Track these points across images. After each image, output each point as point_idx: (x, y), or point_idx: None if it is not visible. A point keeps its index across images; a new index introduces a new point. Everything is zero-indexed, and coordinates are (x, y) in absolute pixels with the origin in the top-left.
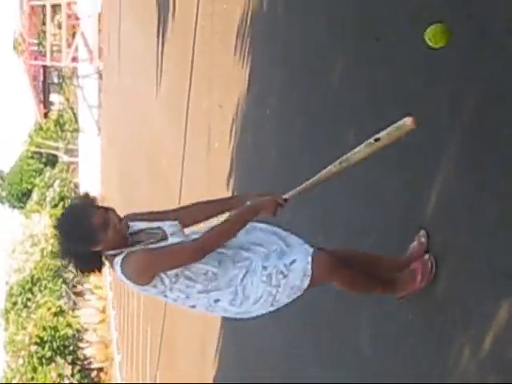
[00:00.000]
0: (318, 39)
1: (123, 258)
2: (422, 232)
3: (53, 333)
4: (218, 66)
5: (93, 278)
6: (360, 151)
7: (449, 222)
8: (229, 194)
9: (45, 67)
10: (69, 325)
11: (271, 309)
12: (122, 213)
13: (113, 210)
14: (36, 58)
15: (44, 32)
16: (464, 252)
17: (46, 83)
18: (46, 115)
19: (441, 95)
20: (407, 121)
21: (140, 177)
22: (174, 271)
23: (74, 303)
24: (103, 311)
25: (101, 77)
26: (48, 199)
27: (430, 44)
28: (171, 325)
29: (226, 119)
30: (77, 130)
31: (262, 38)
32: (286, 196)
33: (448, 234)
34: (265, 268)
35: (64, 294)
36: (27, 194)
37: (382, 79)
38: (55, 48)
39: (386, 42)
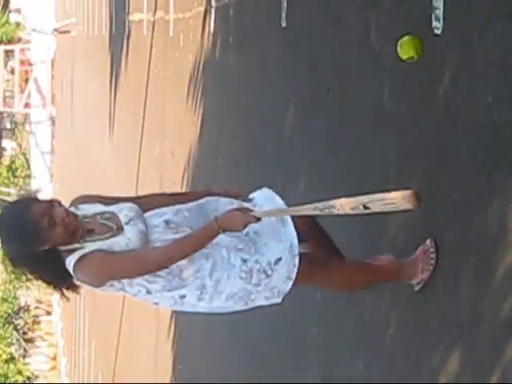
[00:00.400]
0: (271, 88)
1: (76, 262)
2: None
3: (3, 380)
4: (170, 114)
5: (44, 325)
6: (343, 211)
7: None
8: None
9: None
10: (19, 372)
11: (244, 308)
12: None
13: (58, 202)
14: None
15: None
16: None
17: None
18: None
19: (390, 146)
20: (406, 196)
21: None
22: None
23: (25, 350)
24: (54, 358)
25: (53, 123)
26: None
27: (400, 53)
28: (122, 372)
29: (178, 167)
30: (29, 176)
31: (214, 85)
32: (257, 215)
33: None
34: (244, 262)
35: (15, 340)
36: None
37: (333, 129)
38: (8, 94)
39: (336, 92)
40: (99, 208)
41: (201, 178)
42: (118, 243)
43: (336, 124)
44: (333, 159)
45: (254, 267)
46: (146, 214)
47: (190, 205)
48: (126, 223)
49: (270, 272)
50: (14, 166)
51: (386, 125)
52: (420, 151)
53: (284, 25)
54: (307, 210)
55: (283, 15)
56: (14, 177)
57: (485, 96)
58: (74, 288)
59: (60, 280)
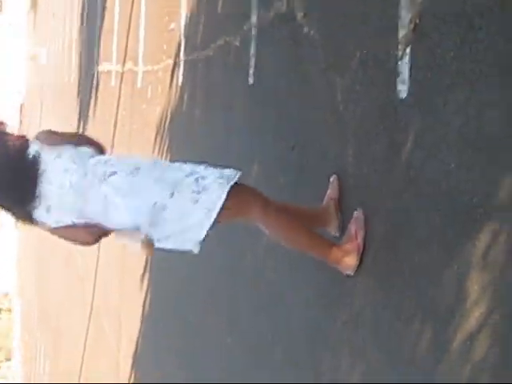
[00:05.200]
0: (236, 144)
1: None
2: (334, 176)
3: None
4: None
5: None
6: None
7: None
8: None
9: None
10: None
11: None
12: None
13: None
14: None
15: None
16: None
17: None
18: None
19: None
20: None
21: None
22: None
23: None
24: None
25: None
26: None
27: None
28: None
29: None
30: None
31: (180, 139)
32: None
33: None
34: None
35: None
36: None
37: (297, 185)
38: None
39: (301, 150)
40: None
41: None
42: None
43: (299, 181)
44: None
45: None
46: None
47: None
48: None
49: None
50: None
51: (348, 185)
52: (379, 215)
53: (251, 82)
54: None
55: (251, 72)
56: None
57: (446, 162)
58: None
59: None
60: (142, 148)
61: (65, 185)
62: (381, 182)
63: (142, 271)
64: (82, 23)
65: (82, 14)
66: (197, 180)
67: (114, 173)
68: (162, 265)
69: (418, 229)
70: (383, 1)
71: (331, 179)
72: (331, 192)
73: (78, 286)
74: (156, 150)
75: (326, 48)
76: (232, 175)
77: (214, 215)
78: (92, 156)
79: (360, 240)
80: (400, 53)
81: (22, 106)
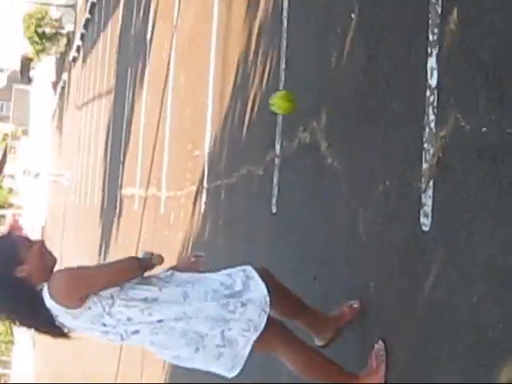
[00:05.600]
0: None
1: (49, 285)
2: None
3: None
4: None
5: None
6: None
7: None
8: None
9: None
10: None
11: (219, 339)
12: None
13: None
14: None
15: None
16: None
17: None
18: None
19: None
20: None
21: None
22: (108, 293)
23: None
24: None
25: None
26: None
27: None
28: None
29: None
30: (12, 342)
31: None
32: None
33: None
34: (220, 296)
35: None
36: None
37: None
38: None
39: (323, 280)
40: None
41: None
42: None
43: (323, 310)
44: None
45: (230, 300)
46: None
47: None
48: None
49: (245, 301)
50: None
51: (370, 317)
52: (401, 347)
53: (274, 211)
54: None
55: (274, 201)
56: None
57: (470, 295)
58: (57, 331)
59: (40, 319)
60: None
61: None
62: (403, 314)
63: None
64: (106, 147)
65: (107, 138)
66: (222, 333)
67: (136, 332)
68: None
69: (441, 360)
70: (407, 135)
71: (354, 304)
72: (346, 313)
73: None
74: None
75: (349, 179)
76: (259, 322)
77: (237, 370)
78: (107, 313)
79: (381, 374)
80: (423, 186)
81: (43, 228)
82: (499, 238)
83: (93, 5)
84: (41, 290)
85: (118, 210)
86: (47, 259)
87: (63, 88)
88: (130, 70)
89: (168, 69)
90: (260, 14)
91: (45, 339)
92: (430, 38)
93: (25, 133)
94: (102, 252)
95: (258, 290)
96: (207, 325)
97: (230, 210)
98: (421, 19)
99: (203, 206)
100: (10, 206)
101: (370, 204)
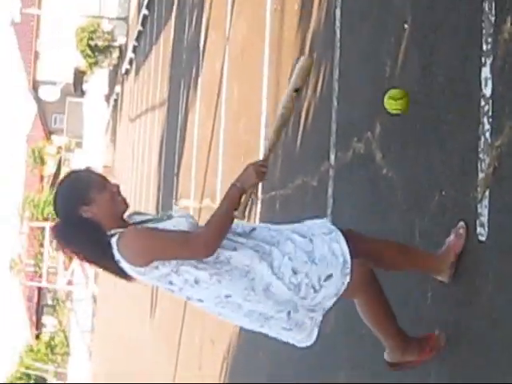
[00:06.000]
0: None
1: (120, 237)
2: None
3: None
4: None
5: None
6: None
7: None
8: None
9: (40, 288)
10: None
11: (286, 322)
12: None
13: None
14: (32, 279)
15: (41, 253)
16: None
17: (40, 304)
18: (37, 337)
19: None
20: (302, 60)
21: None
22: None
23: None
24: None
25: (95, 301)
26: None
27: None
28: None
29: (217, 356)
30: (68, 354)
31: None
32: (261, 158)
33: None
34: (294, 274)
35: None
36: None
37: None
38: (51, 270)
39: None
40: (148, 217)
41: (240, 370)
42: (164, 225)
43: None
44: None
45: (303, 281)
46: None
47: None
48: (179, 216)
49: (318, 288)
50: (53, 343)
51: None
52: (459, 365)
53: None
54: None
55: (329, 212)
56: (53, 354)
57: None
58: (120, 273)
59: (103, 256)
60: None
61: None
62: (462, 326)
63: None
64: (160, 158)
65: (161, 150)
66: (289, 315)
67: (201, 301)
68: None
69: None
70: (462, 145)
71: (460, 230)
72: (454, 242)
73: None
74: None
75: (404, 189)
76: (328, 305)
77: (310, 342)
78: (174, 271)
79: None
80: (479, 195)
81: None
82: None
83: (145, 17)
84: (112, 235)
85: None
86: (117, 205)
87: (116, 100)
88: (182, 81)
89: (221, 80)
90: (312, 24)
91: (101, 349)
92: (484, 47)
93: (79, 145)
94: None
95: (337, 267)
96: (274, 308)
97: (284, 221)
98: (474, 29)
99: (258, 217)
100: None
101: (427, 214)
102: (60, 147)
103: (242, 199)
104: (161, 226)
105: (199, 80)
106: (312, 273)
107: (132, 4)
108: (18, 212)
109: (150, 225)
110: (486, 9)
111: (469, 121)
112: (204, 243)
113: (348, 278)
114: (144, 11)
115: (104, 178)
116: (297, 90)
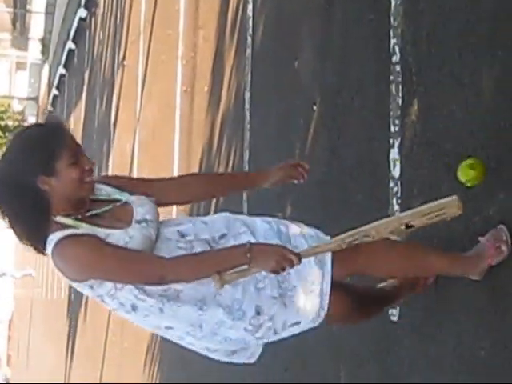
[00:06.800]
0: None
1: (61, 239)
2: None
3: None
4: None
5: None
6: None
7: None
8: None
9: None
10: None
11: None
12: None
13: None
14: None
15: None
16: None
17: None
18: None
19: None
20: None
21: None
22: None
23: None
24: None
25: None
26: None
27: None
28: None
29: None
30: None
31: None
32: (300, 251)
33: None
34: (258, 314)
35: None
36: None
37: None
38: None
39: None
40: (114, 192)
41: None
42: (116, 237)
43: None
44: None
45: (265, 325)
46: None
47: (216, 216)
48: (137, 221)
49: (280, 331)
50: None
51: None
52: None
53: None
54: (339, 243)
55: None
56: None
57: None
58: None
59: (31, 239)
60: (132, 369)
61: None
62: None
63: None
64: None
65: None
66: (270, 329)
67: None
68: None
69: None
70: None
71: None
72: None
73: None
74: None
75: None
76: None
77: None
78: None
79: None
80: None
81: (10, 322)
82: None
83: (55, 97)
84: (55, 222)
85: (84, 302)
86: (81, 189)
87: None
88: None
89: (132, 162)
90: (222, 106)
91: None
92: (392, 129)
93: None
94: (69, 346)
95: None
96: (222, 343)
97: None
98: (382, 111)
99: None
100: None
101: None
102: None
103: (237, 270)
104: (111, 238)
105: (110, 162)
106: (278, 317)
107: (42, 84)
108: None
109: (99, 230)
110: (393, 91)
111: (378, 202)
112: (160, 277)
113: (318, 323)
114: (54, 91)
115: (79, 148)
116: (409, 226)
